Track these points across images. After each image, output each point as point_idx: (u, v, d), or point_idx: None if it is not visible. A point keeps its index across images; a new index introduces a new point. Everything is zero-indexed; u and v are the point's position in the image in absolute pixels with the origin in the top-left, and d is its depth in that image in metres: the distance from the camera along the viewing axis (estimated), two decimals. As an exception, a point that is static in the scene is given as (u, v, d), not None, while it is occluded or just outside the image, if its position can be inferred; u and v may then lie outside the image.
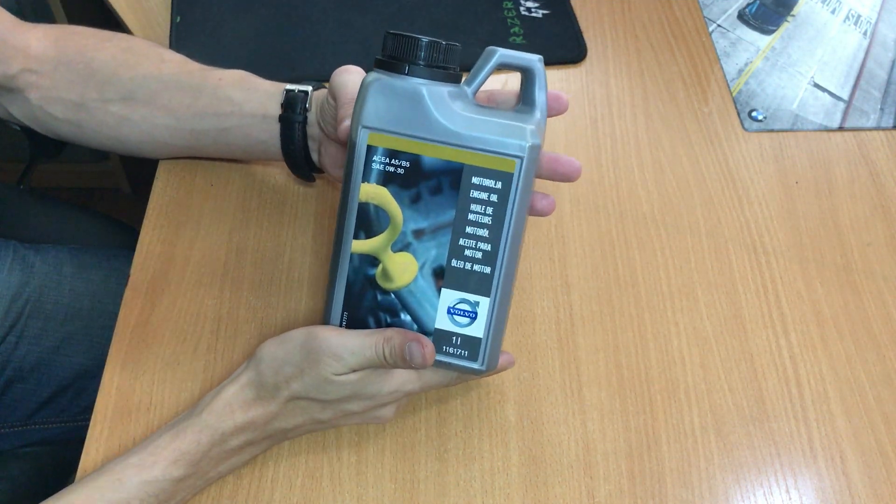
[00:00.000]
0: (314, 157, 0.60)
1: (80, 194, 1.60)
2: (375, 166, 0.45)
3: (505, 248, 0.45)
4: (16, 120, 0.63)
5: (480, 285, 0.46)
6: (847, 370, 0.59)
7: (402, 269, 0.46)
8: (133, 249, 0.62)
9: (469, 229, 0.45)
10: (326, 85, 0.60)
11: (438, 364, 0.47)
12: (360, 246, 0.46)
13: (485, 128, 0.44)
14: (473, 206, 0.45)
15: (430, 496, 0.52)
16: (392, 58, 0.44)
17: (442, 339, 0.47)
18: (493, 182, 0.44)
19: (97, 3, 0.78)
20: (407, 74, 0.44)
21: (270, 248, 0.63)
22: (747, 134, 0.72)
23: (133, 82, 0.60)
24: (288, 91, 0.58)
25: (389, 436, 0.54)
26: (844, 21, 0.83)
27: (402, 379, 0.48)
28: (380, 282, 0.47)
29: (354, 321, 0.48)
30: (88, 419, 0.54)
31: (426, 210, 0.45)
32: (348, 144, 0.46)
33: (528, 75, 0.48)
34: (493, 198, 0.44)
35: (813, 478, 0.54)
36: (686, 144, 0.71)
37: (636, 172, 0.69)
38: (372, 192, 0.45)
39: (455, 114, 0.44)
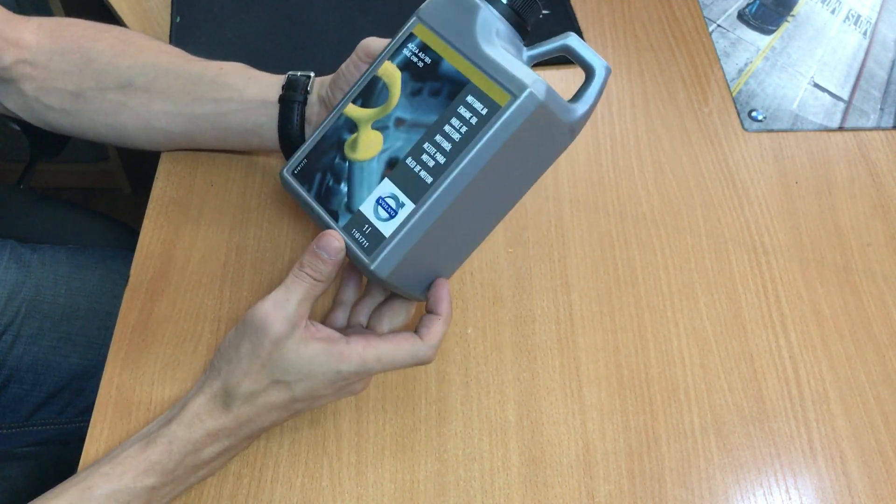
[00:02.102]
0: None
1: (80, 194, 1.60)
2: (405, 51, 0.48)
3: (456, 168, 0.45)
4: (10, 113, 0.63)
5: (415, 190, 0.46)
6: (847, 370, 0.59)
7: (369, 146, 0.48)
8: (133, 249, 0.62)
9: (437, 138, 0.46)
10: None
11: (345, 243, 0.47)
12: (351, 110, 0.49)
13: (507, 63, 0.45)
14: (453, 120, 0.45)
15: (430, 496, 0.52)
16: None
17: (357, 222, 0.47)
18: (481, 107, 0.45)
19: (97, 3, 0.78)
20: None
21: (270, 248, 0.63)
22: (747, 134, 0.72)
23: (131, 70, 0.60)
24: (291, 74, 0.60)
25: (389, 436, 0.54)
26: (844, 21, 0.83)
27: (359, 356, 0.47)
28: (346, 148, 0.49)
29: (306, 171, 0.50)
30: (87, 419, 0.54)
31: (417, 105, 0.47)
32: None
33: (587, 74, 0.49)
34: (473, 120, 0.45)
35: (813, 478, 0.54)
36: (686, 144, 0.71)
37: (636, 172, 0.69)
38: (390, 70, 0.49)
39: (492, 41, 0.46)
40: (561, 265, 0.63)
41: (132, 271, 0.61)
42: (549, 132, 0.47)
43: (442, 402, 0.56)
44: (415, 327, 0.49)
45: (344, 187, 0.48)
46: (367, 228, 0.46)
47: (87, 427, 0.54)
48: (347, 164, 0.48)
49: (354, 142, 0.48)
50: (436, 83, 0.47)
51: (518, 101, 0.44)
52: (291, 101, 0.58)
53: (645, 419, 0.56)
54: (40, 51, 0.60)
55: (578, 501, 0.52)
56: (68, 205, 0.87)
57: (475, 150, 0.44)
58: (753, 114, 0.74)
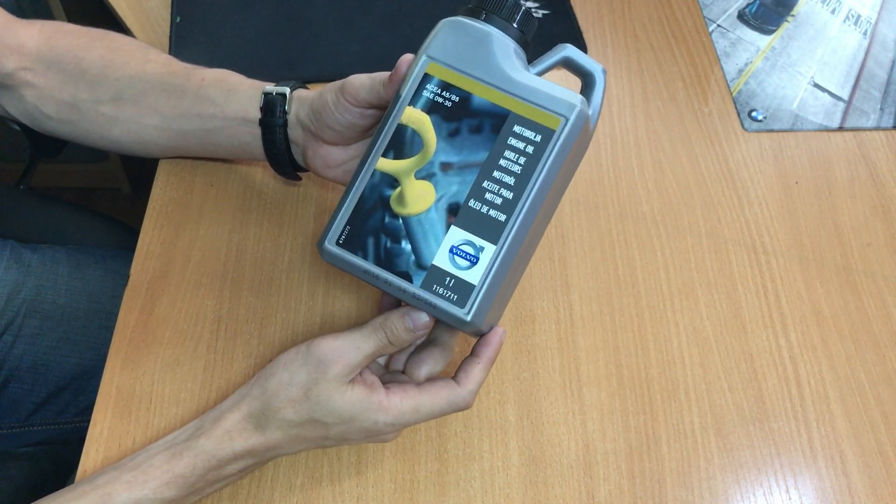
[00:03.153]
0: (298, 158, 0.60)
1: (80, 194, 1.60)
2: (425, 94, 0.46)
3: (526, 200, 0.44)
4: (12, 117, 0.63)
5: (491, 231, 0.45)
6: (847, 370, 0.59)
7: (419, 197, 0.46)
8: (133, 249, 0.62)
9: (496, 174, 0.45)
10: (310, 87, 0.60)
11: (423, 302, 0.45)
12: (385, 164, 0.46)
13: (540, 85, 0.45)
14: (507, 153, 0.45)
15: (430, 496, 0.52)
16: (477, 5, 0.47)
17: (435, 277, 0.45)
18: (533, 134, 0.44)
19: (97, 3, 0.78)
20: (484, 21, 0.46)
21: (270, 248, 0.63)
22: (747, 134, 0.72)
23: (120, 83, 0.60)
24: (266, 94, 0.58)
25: (389, 436, 0.54)
26: (844, 21, 0.83)
27: (397, 409, 0.46)
28: (393, 204, 0.46)
29: (353, 238, 0.46)
30: (88, 419, 0.54)
31: (460, 146, 0.46)
32: (406, 71, 0.47)
33: (587, 81, 0.49)
34: (529, 149, 0.44)
35: (813, 478, 0.54)
36: (686, 144, 0.71)
37: (636, 172, 0.69)
38: (415, 116, 0.46)
39: (515, 66, 0.46)
40: (561, 265, 0.63)
41: (132, 271, 0.61)
42: (585, 142, 0.47)
43: (442, 402, 0.56)
44: (454, 372, 0.48)
45: (406, 245, 0.45)
46: (450, 281, 0.44)
47: (87, 427, 0.54)
48: (401, 220, 0.45)
49: (400, 196, 0.46)
50: (473, 120, 0.45)
51: (571, 121, 0.44)
52: (272, 125, 0.57)
53: (645, 419, 0.56)
54: (40, 59, 0.60)
55: (578, 501, 0.52)
56: (68, 205, 0.87)
57: (541, 177, 0.44)
58: (753, 114, 0.74)
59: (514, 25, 0.47)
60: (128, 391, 0.55)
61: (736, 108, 0.74)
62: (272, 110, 0.57)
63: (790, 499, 0.53)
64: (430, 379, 0.48)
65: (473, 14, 0.47)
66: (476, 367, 0.48)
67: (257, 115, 0.58)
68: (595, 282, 0.62)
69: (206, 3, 0.80)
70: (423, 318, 0.45)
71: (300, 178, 0.64)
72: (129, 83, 0.60)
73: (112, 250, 0.79)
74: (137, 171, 1.58)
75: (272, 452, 0.48)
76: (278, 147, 0.58)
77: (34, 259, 0.73)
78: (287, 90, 0.57)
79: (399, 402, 0.46)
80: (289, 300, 0.60)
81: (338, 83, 0.53)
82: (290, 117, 0.57)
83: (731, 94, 0.75)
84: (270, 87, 0.58)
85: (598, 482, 0.53)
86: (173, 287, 0.60)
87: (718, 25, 0.81)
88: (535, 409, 0.56)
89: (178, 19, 0.78)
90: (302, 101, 0.57)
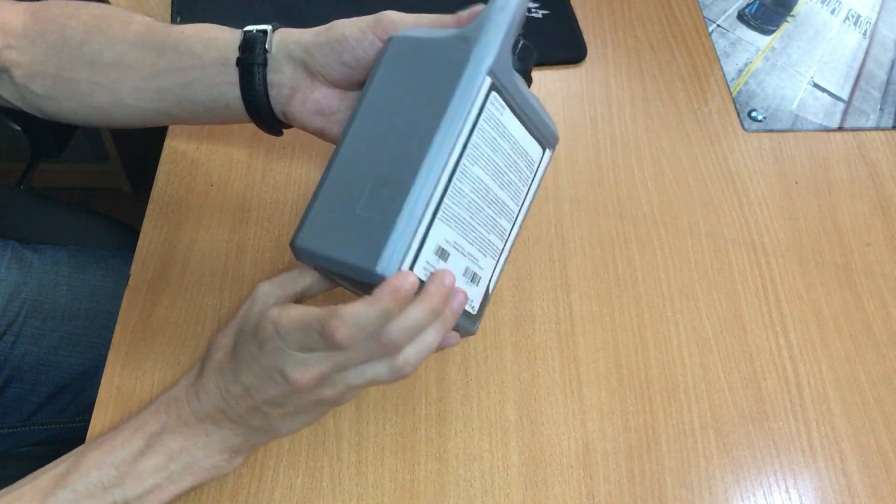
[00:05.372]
0: (278, 107, 0.55)
1: (80, 194, 1.60)
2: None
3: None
4: (8, 103, 0.62)
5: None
6: (847, 370, 0.59)
7: None
8: (133, 249, 0.62)
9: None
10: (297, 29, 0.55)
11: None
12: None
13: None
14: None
15: (430, 496, 0.52)
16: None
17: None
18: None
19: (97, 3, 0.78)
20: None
21: (270, 248, 0.63)
22: (747, 134, 0.72)
23: (102, 46, 0.57)
24: (246, 32, 0.54)
25: (389, 436, 0.54)
26: (844, 21, 0.83)
27: (302, 311, 0.43)
28: None
29: None
30: (88, 419, 0.54)
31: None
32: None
33: None
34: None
35: (813, 478, 0.54)
36: (686, 144, 0.71)
37: (636, 172, 0.69)
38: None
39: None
40: (561, 265, 0.63)
41: (132, 271, 0.61)
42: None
43: (442, 402, 0.56)
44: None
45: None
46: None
47: (87, 427, 0.54)
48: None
49: None
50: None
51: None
52: (250, 63, 0.53)
53: (645, 419, 0.56)
54: (25, 35, 0.59)
55: (578, 501, 0.52)
56: (68, 205, 0.87)
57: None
58: (753, 114, 0.74)
59: (515, 56, 0.46)
60: (128, 391, 0.55)
61: (736, 108, 0.74)
62: (251, 48, 0.53)
63: (790, 499, 0.53)
64: None
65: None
66: (360, 302, 0.41)
67: (236, 55, 0.54)
68: (595, 282, 0.62)
69: (206, 3, 0.80)
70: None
71: (282, 133, 0.59)
72: (110, 45, 0.57)
73: (112, 250, 0.79)
74: (137, 171, 1.58)
75: (232, 408, 0.47)
76: (257, 89, 0.54)
77: (35, 259, 0.73)
78: (268, 28, 0.54)
79: (332, 308, 0.41)
80: (289, 300, 0.60)
81: (367, 18, 0.50)
82: (273, 55, 0.54)
83: (731, 94, 0.75)
84: (251, 27, 0.55)
85: (598, 482, 0.53)
86: (173, 287, 0.60)
87: (718, 25, 0.81)
88: (535, 409, 0.56)
89: (179, 19, 0.78)
90: (290, 37, 0.54)
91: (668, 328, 0.60)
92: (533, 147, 0.48)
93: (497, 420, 0.55)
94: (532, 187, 0.49)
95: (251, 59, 0.53)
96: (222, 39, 0.55)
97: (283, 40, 0.54)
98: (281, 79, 0.53)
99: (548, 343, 0.59)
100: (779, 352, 0.59)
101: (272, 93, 0.54)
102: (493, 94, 0.44)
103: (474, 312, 0.47)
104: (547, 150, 0.50)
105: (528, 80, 0.48)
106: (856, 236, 0.66)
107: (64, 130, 1.00)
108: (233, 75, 0.54)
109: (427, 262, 0.42)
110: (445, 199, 0.43)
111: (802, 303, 0.62)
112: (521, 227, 0.50)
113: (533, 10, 0.81)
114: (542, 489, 0.52)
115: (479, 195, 0.45)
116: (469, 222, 0.45)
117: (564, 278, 0.62)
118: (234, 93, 0.55)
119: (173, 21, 0.77)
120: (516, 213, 0.49)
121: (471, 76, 0.43)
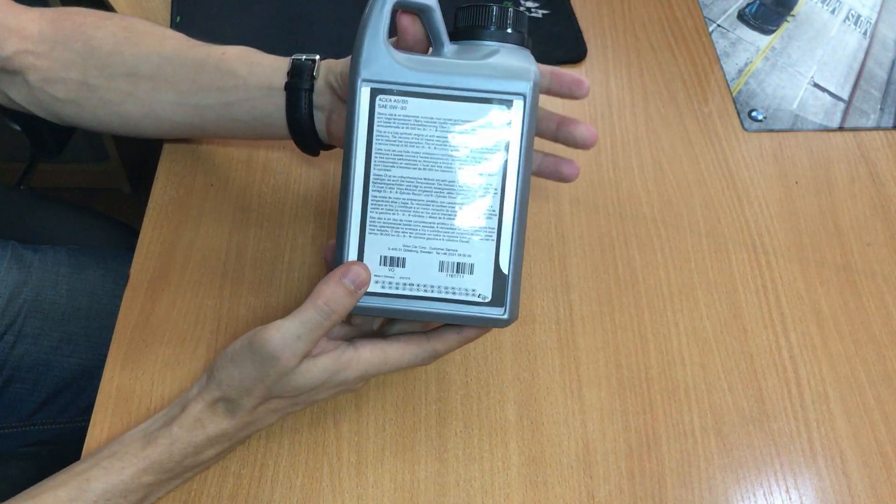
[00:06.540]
0: (321, 128, 0.58)
1: (80, 194, 1.60)
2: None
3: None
4: (18, 106, 0.62)
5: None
6: (847, 370, 0.59)
7: None
8: (133, 249, 0.62)
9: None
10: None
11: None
12: None
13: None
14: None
15: (430, 496, 0.52)
16: (467, 25, 0.47)
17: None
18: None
19: (97, 3, 0.78)
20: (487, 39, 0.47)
21: (270, 248, 0.63)
22: (747, 134, 0.72)
23: (136, 58, 0.59)
24: (295, 59, 0.57)
25: (389, 436, 0.54)
26: (844, 21, 0.83)
27: (366, 363, 0.47)
28: None
29: None
30: (88, 419, 0.54)
31: None
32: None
33: (426, 16, 0.46)
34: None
35: (813, 478, 0.54)
36: (686, 144, 0.71)
37: (636, 172, 0.69)
38: None
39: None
40: (561, 265, 0.63)
41: (132, 271, 0.61)
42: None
43: (442, 402, 0.56)
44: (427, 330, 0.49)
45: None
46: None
47: (87, 427, 0.54)
48: None
49: None
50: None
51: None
52: (297, 88, 0.56)
53: (645, 419, 0.56)
54: (43, 40, 0.59)
55: (578, 501, 0.52)
56: (68, 205, 0.87)
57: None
58: (753, 114, 0.74)
59: (509, 31, 0.46)
60: (128, 391, 0.55)
61: (736, 108, 0.74)
62: (300, 74, 0.56)
63: (790, 499, 0.53)
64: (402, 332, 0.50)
65: (471, 35, 0.46)
66: (453, 334, 0.48)
67: (283, 82, 0.57)
68: (595, 282, 0.62)
69: (206, 3, 0.80)
70: (361, 272, 0.45)
71: (318, 154, 0.62)
72: (146, 58, 0.59)
73: (112, 250, 0.79)
74: (137, 171, 1.58)
75: (246, 431, 0.49)
76: (302, 113, 0.57)
77: (35, 259, 0.73)
78: (317, 57, 0.57)
79: (369, 356, 0.47)
80: (289, 300, 0.60)
81: None
82: (318, 83, 0.57)
83: (731, 94, 0.75)
84: (299, 55, 0.58)
85: (598, 482, 0.53)
86: (173, 287, 0.60)
87: (718, 25, 0.81)
88: (535, 409, 0.56)
89: (179, 19, 0.78)
90: (330, 67, 0.57)
91: (668, 328, 0.60)
92: (475, 110, 0.44)
93: (497, 420, 0.55)
94: (511, 148, 0.45)
95: (299, 84, 0.56)
96: (267, 65, 0.58)
97: (324, 67, 0.57)
98: (322, 102, 0.57)
99: (548, 343, 0.59)
100: (779, 352, 0.59)
101: (316, 115, 0.58)
102: (379, 97, 0.44)
103: (482, 299, 0.46)
104: (511, 101, 0.45)
105: (504, 28, 0.46)
106: (856, 236, 0.66)
107: (64, 131, 1.00)
108: (278, 98, 0.58)
109: (377, 276, 0.46)
110: (369, 213, 0.45)
111: (802, 303, 0.62)
112: (523, 196, 0.45)
113: (533, 10, 0.81)
114: (542, 489, 0.52)
115: (417, 192, 0.44)
116: (416, 222, 0.45)
117: (564, 278, 0.62)
118: (278, 114, 0.58)
119: (173, 21, 0.78)
120: (493, 186, 0.45)
121: (352, 95, 0.45)
